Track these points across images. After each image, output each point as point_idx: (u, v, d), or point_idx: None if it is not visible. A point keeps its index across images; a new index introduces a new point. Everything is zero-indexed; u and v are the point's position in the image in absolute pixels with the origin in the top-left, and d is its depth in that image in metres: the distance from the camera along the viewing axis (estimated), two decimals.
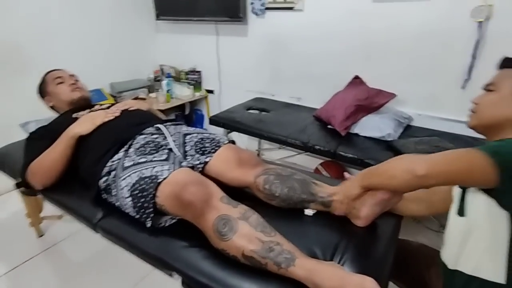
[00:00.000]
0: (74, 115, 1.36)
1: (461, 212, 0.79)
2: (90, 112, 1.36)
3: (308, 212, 1.05)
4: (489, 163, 0.66)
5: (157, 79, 2.95)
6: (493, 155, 0.66)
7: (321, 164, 2.30)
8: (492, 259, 0.72)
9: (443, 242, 0.88)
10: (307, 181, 1.06)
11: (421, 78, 1.92)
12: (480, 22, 1.62)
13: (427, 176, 0.72)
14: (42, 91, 1.51)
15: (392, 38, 1.95)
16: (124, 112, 1.35)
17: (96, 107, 1.45)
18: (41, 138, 1.28)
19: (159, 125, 1.25)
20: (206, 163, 1.14)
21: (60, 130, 1.23)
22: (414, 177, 0.74)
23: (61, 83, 1.46)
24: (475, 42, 1.66)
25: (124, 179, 1.00)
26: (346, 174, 1.09)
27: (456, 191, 0.85)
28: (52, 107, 1.52)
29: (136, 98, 2.68)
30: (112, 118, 1.26)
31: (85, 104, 1.48)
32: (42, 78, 1.51)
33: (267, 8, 2.34)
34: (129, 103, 1.44)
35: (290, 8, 2.24)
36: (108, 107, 1.41)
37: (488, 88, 0.82)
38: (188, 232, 0.95)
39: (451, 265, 0.83)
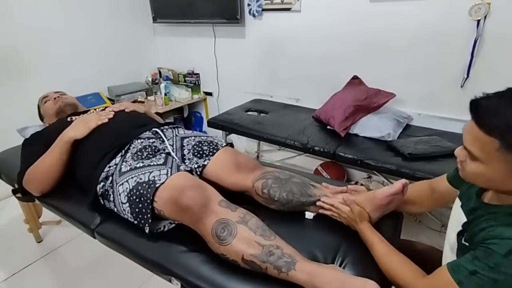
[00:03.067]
0: (69, 119, 1.35)
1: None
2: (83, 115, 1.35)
3: (309, 215, 1.04)
4: None
5: (155, 82, 2.94)
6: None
7: (321, 165, 2.30)
8: None
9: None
10: (306, 183, 1.06)
11: (420, 77, 1.91)
12: (478, 20, 1.61)
13: None
14: (40, 115, 1.61)
15: (390, 37, 1.94)
16: (120, 114, 1.34)
17: (91, 111, 1.45)
18: (36, 144, 1.27)
19: (156, 129, 1.24)
20: (204, 166, 1.13)
21: (55, 135, 1.22)
22: None
23: (47, 101, 1.54)
24: (473, 40, 1.66)
25: (121, 184, 0.99)
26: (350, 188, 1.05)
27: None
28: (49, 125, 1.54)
29: (134, 101, 2.67)
30: (106, 120, 1.25)
31: (73, 110, 1.51)
32: (37, 105, 1.61)
33: (264, 10, 2.34)
34: (124, 105, 1.44)
35: (288, 9, 2.24)
36: (102, 110, 1.39)
37: (472, 157, 0.66)
38: (187, 236, 0.94)
39: None
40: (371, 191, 0.98)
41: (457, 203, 0.81)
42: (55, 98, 1.52)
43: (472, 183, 0.72)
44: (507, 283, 0.58)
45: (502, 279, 0.59)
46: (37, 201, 1.29)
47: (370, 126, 1.83)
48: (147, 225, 0.94)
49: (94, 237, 1.09)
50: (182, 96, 2.81)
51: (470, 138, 0.64)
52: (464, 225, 0.74)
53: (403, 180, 0.93)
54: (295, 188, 1.03)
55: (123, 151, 1.12)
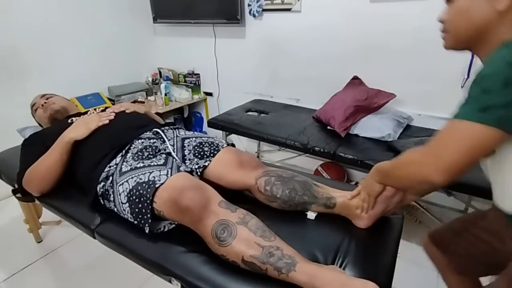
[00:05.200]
0: (69, 121, 1.35)
1: None
2: (83, 116, 1.35)
3: (310, 215, 1.04)
4: (490, 132, 0.57)
5: (155, 82, 2.94)
6: (488, 120, 0.56)
7: (321, 165, 2.29)
8: None
9: (492, 188, 0.76)
10: (308, 182, 1.06)
11: (420, 77, 1.91)
12: None
13: (447, 180, 0.62)
14: (37, 122, 1.59)
15: (390, 38, 1.94)
16: (121, 115, 1.34)
17: (90, 111, 1.44)
18: (36, 144, 1.26)
19: (157, 129, 1.24)
20: (205, 167, 1.13)
21: (55, 135, 1.22)
22: (433, 185, 0.65)
23: (37, 108, 1.51)
24: None
25: (121, 184, 0.99)
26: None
27: None
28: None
29: (134, 102, 2.67)
30: (106, 121, 1.25)
31: (64, 115, 1.48)
32: (31, 113, 1.58)
33: (265, 10, 2.34)
34: (124, 105, 1.43)
35: (288, 10, 2.24)
36: (103, 111, 1.39)
37: None
38: (187, 237, 0.94)
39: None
40: None
41: None
42: (43, 105, 1.49)
43: (455, 44, 0.73)
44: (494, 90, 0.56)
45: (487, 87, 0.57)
46: (37, 201, 1.29)
47: (370, 127, 1.83)
48: (147, 225, 0.94)
49: (94, 237, 1.09)
50: (182, 96, 2.81)
51: None
52: None
53: None
54: (298, 186, 1.03)
55: (124, 151, 1.12)
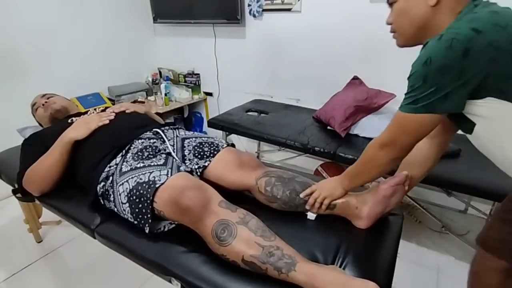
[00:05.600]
0: (69, 121, 1.35)
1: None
2: (83, 116, 1.35)
3: (311, 216, 1.04)
4: (425, 117, 0.73)
5: (155, 82, 2.94)
6: (419, 109, 0.72)
7: (321, 165, 2.29)
8: None
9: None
10: (308, 183, 1.06)
11: None
12: None
13: (405, 155, 0.86)
14: (37, 121, 1.59)
15: (390, 38, 1.93)
16: (121, 115, 1.34)
17: (90, 111, 1.44)
18: (36, 144, 1.26)
19: (157, 129, 1.24)
20: (205, 167, 1.13)
21: (55, 135, 1.22)
22: (398, 161, 0.89)
23: (37, 108, 1.51)
24: None
25: (121, 184, 0.99)
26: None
27: None
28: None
29: (134, 102, 2.67)
30: (107, 122, 1.25)
31: (65, 115, 1.48)
32: (31, 113, 1.58)
33: (265, 10, 2.34)
34: (125, 105, 1.43)
35: (288, 10, 2.24)
36: (103, 111, 1.39)
37: (390, 1, 0.83)
38: (187, 237, 0.94)
39: None
40: (374, 183, 1.00)
41: None
42: (43, 104, 1.49)
43: (405, 41, 0.84)
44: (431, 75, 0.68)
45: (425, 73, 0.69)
46: (37, 201, 1.29)
47: (370, 127, 1.82)
48: (147, 225, 0.94)
49: (94, 237, 1.09)
50: (182, 96, 2.81)
51: None
52: None
53: (405, 172, 0.96)
54: (298, 187, 1.03)
55: (124, 151, 1.12)
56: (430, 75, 0.68)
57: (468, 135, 0.80)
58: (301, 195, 1.02)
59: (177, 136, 1.24)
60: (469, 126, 0.76)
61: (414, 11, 0.77)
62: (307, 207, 1.02)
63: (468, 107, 0.72)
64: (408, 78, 0.75)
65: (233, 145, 1.26)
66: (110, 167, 1.08)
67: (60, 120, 1.43)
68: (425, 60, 0.68)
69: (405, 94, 0.77)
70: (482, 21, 0.65)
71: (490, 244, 0.93)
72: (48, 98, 1.52)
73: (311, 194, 1.01)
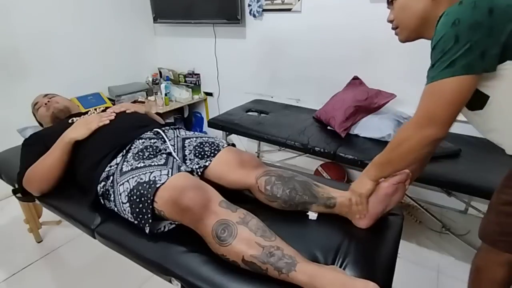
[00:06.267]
0: (70, 121, 1.35)
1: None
2: (84, 116, 1.35)
3: (312, 216, 1.04)
4: (463, 80, 0.70)
5: (155, 82, 2.94)
6: (457, 71, 0.69)
7: (321, 165, 2.29)
8: None
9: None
10: (308, 182, 1.06)
11: (420, 77, 1.88)
12: None
13: (447, 131, 0.77)
14: (37, 121, 1.59)
15: (391, 38, 1.92)
16: (121, 115, 1.34)
17: (91, 111, 1.44)
18: (36, 144, 1.26)
19: (158, 129, 1.24)
20: (205, 167, 1.14)
21: (55, 135, 1.22)
22: (438, 141, 0.78)
23: (39, 107, 1.51)
24: None
25: (122, 184, 0.99)
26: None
27: None
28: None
29: (135, 102, 2.67)
30: (107, 122, 1.25)
31: (66, 115, 1.48)
32: (32, 112, 1.58)
33: (265, 10, 2.34)
34: (125, 106, 1.44)
35: (288, 10, 2.24)
36: (103, 111, 1.39)
37: (390, 0, 0.86)
38: (187, 237, 0.94)
39: None
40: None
41: None
42: (46, 104, 1.49)
43: (408, 35, 0.86)
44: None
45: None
46: (37, 201, 1.29)
47: (370, 127, 1.82)
48: (147, 225, 0.94)
49: (94, 237, 1.09)
50: (182, 96, 2.82)
51: None
52: None
53: (407, 170, 0.94)
54: (298, 186, 1.03)
55: (124, 151, 1.12)
56: (461, 33, 0.67)
57: (475, 112, 0.79)
58: (346, 209, 0.99)
59: (177, 136, 1.24)
60: (482, 100, 0.76)
61: (415, 6, 0.80)
62: (357, 216, 0.98)
63: (484, 76, 0.72)
64: (436, 44, 0.73)
65: (233, 145, 1.26)
66: (110, 167, 1.08)
67: (60, 120, 1.43)
68: (453, 21, 0.68)
69: (435, 62, 0.75)
70: None
71: (492, 238, 0.93)
72: (50, 98, 1.53)
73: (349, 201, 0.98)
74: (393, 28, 0.89)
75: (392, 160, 0.88)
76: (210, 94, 2.98)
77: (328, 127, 1.97)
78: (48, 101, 1.50)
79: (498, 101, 0.75)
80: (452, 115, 0.74)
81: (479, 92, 0.76)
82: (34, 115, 1.56)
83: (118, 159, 1.10)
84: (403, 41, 0.89)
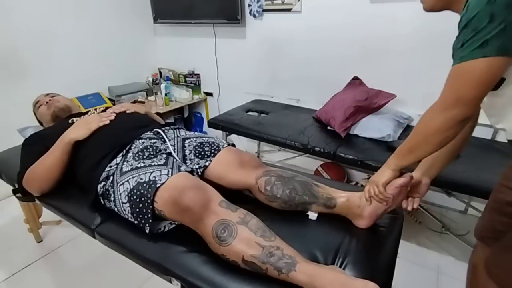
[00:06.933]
0: (70, 121, 1.35)
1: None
2: (84, 117, 1.35)
3: (312, 215, 1.04)
4: (495, 61, 0.66)
5: (155, 82, 2.94)
6: (490, 51, 0.66)
7: (321, 165, 2.29)
8: None
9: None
10: (308, 182, 1.06)
11: (420, 77, 1.91)
12: None
13: (474, 110, 0.73)
14: (38, 120, 1.59)
15: (391, 38, 1.94)
16: (121, 115, 1.34)
17: (91, 111, 1.45)
18: (36, 144, 1.26)
19: (158, 129, 1.24)
20: (205, 167, 1.14)
21: (55, 135, 1.22)
22: (467, 120, 0.75)
23: (40, 106, 1.51)
24: None
25: (122, 184, 0.99)
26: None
27: None
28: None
29: (135, 102, 2.67)
30: (107, 122, 1.25)
31: (67, 114, 1.48)
32: (33, 111, 1.58)
33: (265, 10, 2.34)
34: (125, 106, 1.44)
35: (288, 10, 2.24)
36: (103, 111, 1.40)
37: None
38: (187, 237, 0.94)
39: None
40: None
41: None
42: (47, 102, 1.49)
43: (435, 3, 0.84)
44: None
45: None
46: (37, 201, 1.29)
47: (370, 127, 1.83)
48: (147, 225, 0.94)
49: (94, 237, 1.09)
50: (182, 96, 2.82)
51: None
52: None
53: (411, 173, 0.93)
54: (298, 186, 1.03)
55: (124, 151, 1.12)
56: (497, 12, 0.64)
57: (490, 93, 0.76)
58: (365, 200, 0.96)
59: (177, 136, 1.24)
60: (498, 81, 0.72)
61: None
62: (367, 200, 0.95)
63: None
64: (468, 22, 0.68)
65: (233, 145, 1.26)
66: (110, 166, 1.08)
67: (61, 120, 1.43)
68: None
69: (465, 41, 0.70)
70: None
71: (484, 235, 0.94)
72: (52, 97, 1.53)
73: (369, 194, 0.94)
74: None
75: (415, 146, 0.84)
76: (210, 94, 2.98)
77: (328, 127, 1.97)
78: (50, 100, 1.50)
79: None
80: (480, 95, 0.71)
81: None
82: (35, 113, 1.57)
83: (118, 159, 1.10)
84: (427, 9, 0.85)
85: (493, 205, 0.91)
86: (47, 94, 1.56)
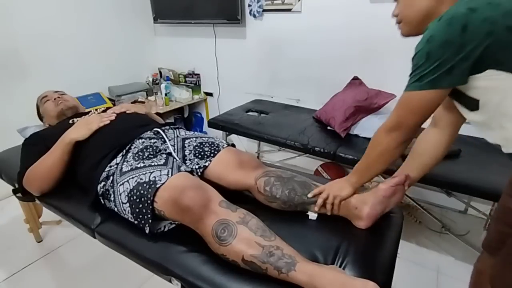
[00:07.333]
0: (70, 121, 1.35)
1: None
2: (84, 117, 1.35)
3: (312, 216, 1.04)
4: (430, 94, 0.76)
5: (155, 82, 2.94)
6: (424, 86, 0.75)
7: (321, 165, 2.29)
8: None
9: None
10: (307, 183, 1.06)
11: None
12: None
13: (414, 134, 0.86)
14: (39, 115, 1.58)
15: (390, 38, 1.93)
16: (122, 115, 1.34)
17: (92, 111, 1.45)
18: (37, 144, 1.27)
19: (158, 129, 1.24)
20: (205, 167, 1.14)
21: (56, 135, 1.22)
22: (407, 143, 0.88)
23: (47, 100, 1.51)
24: None
25: (122, 184, 0.99)
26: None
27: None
28: (50, 126, 1.53)
29: (135, 102, 2.67)
30: (107, 122, 1.25)
31: (73, 113, 1.49)
32: (36, 104, 1.58)
33: (265, 10, 2.34)
34: (125, 106, 1.44)
35: (288, 10, 2.24)
36: (104, 111, 1.40)
37: None
38: (187, 237, 0.94)
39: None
40: (374, 184, 1.00)
41: None
42: (55, 99, 1.49)
43: (410, 30, 0.88)
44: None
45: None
46: (37, 201, 1.29)
47: (370, 127, 1.82)
48: (147, 225, 0.94)
49: (94, 237, 1.09)
50: (182, 96, 2.82)
51: None
52: None
53: (406, 173, 0.97)
54: (297, 186, 1.04)
55: (124, 150, 1.12)
56: (433, 51, 0.72)
57: (474, 114, 0.81)
58: (309, 195, 1.02)
59: (177, 136, 1.24)
60: (474, 102, 0.78)
61: (420, 3, 0.83)
62: (316, 208, 1.01)
63: (469, 83, 0.74)
64: (413, 58, 0.78)
65: (233, 145, 1.27)
66: (110, 167, 1.08)
67: (61, 120, 1.43)
68: (427, 38, 0.73)
69: (409, 75, 0.80)
70: (477, 1, 0.69)
71: (491, 245, 0.94)
72: (61, 95, 1.54)
73: (319, 194, 1.01)
74: (396, 23, 0.92)
75: (371, 163, 0.95)
76: (210, 94, 2.98)
77: (328, 127, 1.97)
78: (59, 97, 1.51)
79: (488, 101, 0.76)
80: (417, 122, 0.83)
81: (468, 97, 0.78)
82: (38, 108, 1.56)
83: (118, 159, 1.10)
84: (404, 35, 0.92)
85: (500, 215, 0.91)
86: (56, 91, 1.57)
